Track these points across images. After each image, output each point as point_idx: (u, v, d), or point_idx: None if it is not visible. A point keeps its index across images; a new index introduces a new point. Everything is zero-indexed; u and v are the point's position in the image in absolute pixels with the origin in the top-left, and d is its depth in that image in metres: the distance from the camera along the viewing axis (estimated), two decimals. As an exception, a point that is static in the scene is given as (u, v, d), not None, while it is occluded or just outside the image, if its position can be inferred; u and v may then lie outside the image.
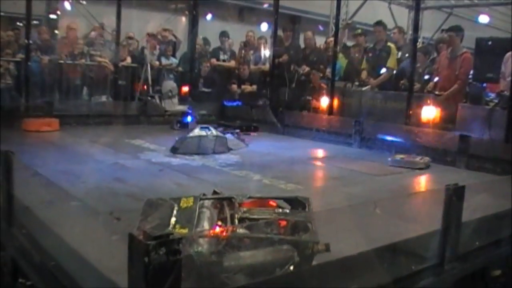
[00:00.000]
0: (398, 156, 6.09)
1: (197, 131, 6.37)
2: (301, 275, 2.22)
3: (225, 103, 9.97)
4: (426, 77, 8.84)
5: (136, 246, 1.59)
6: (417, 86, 8.42)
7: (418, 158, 6.00)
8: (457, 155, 6.17)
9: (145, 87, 10.56)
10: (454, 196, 2.88)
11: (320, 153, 6.78)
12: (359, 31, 10.40)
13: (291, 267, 2.21)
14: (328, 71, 9.51)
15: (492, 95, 7.63)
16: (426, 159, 6.01)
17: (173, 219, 2.49)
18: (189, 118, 8.59)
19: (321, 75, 9.76)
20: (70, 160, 5.40)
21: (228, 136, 6.84)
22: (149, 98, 9.81)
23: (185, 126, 8.30)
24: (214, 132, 6.46)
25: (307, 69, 10.02)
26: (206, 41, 12.09)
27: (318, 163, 6.20)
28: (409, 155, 6.14)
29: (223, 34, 11.75)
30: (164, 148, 6.35)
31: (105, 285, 2.04)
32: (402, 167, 5.79)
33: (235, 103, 10.00)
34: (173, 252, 1.57)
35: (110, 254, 2.29)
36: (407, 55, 8.99)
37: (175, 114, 8.91)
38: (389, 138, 6.97)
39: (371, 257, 2.43)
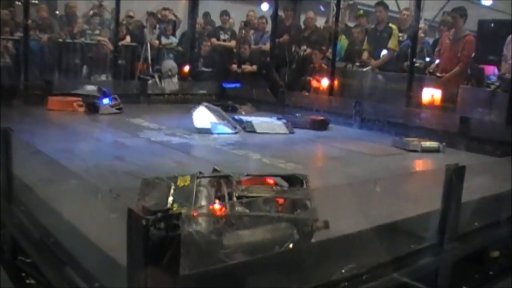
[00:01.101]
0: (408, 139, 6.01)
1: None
2: (300, 253, 2.22)
3: (224, 84, 9.90)
4: (427, 59, 8.82)
5: (135, 221, 1.58)
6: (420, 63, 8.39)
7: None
8: (457, 137, 6.15)
9: (145, 66, 10.52)
10: (454, 176, 2.88)
11: (320, 133, 6.75)
12: (361, 12, 10.34)
13: (290, 245, 2.21)
14: (329, 51, 9.48)
15: (494, 78, 7.63)
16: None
17: (170, 198, 2.48)
18: (105, 101, 7.37)
19: (322, 55, 9.72)
20: (69, 139, 5.39)
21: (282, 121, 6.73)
22: (149, 77, 9.73)
23: (96, 110, 7.18)
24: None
25: (308, 50, 9.97)
26: (208, 17, 12.02)
27: (318, 144, 6.18)
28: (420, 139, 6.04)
29: (224, 13, 11.67)
30: (164, 127, 6.34)
31: (104, 261, 2.04)
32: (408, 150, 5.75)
33: (233, 85, 9.94)
34: (172, 227, 1.56)
35: (109, 231, 2.28)
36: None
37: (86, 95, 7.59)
38: (389, 119, 6.93)
39: (370, 235, 2.43)
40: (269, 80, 9.66)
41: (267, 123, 6.51)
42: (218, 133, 6.10)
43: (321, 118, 7.05)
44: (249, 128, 6.33)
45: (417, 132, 6.41)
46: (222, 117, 6.44)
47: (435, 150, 5.71)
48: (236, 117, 6.76)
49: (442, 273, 2.96)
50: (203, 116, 6.25)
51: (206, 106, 6.41)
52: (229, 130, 6.26)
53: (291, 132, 6.42)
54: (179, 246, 1.59)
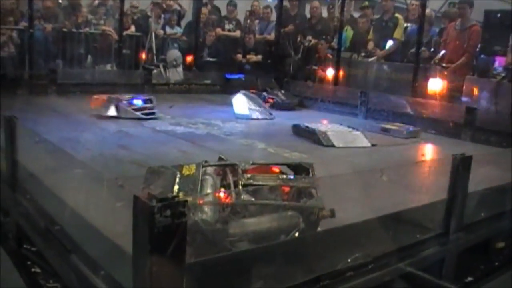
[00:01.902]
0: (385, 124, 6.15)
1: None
2: (305, 242, 2.21)
3: (227, 75, 9.86)
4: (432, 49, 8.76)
5: (141, 208, 1.58)
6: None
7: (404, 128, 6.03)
8: (462, 128, 6.12)
9: (150, 56, 10.50)
10: (461, 166, 2.87)
11: (325, 123, 6.74)
12: (366, 3, 10.29)
13: (296, 234, 2.20)
14: (334, 41, 9.45)
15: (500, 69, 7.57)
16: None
17: (176, 187, 2.47)
18: (136, 102, 6.26)
19: (327, 45, 9.69)
20: (73, 128, 5.38)
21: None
22: (154, 67, 9.69)
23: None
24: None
25: (313, 40, 9.93)
26: (216, 9, 11.98)
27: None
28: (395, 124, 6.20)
29: (230, 3, 11.63)
30: (168, 116, 6.33)
31: (109, 248, 2.04)
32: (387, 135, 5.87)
33: (237, 76, 9.91)
34: (178, 214, 1.55)
35: (115, 219, 2.28)
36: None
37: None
38: (394, 109, 6.91)
39: (375, 225, 2.42)
40: (274, 70, 9.64)
41: (343, 134, 5.41)
42: (255, 119, 6.54)
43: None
44: (325, 142, 5.18)
45: (423, 122, 6.39)
46: (259, 104, 6.75)
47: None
48: (308, 125, 5.62)
49: (447, 263, 2.95)
50: (241, 103, 6.64)
51: (244, 94, 6.74)
52: (265, 116, 6.63)
53: (373, 144, 5.31)
54: (185, 233, 1.59)
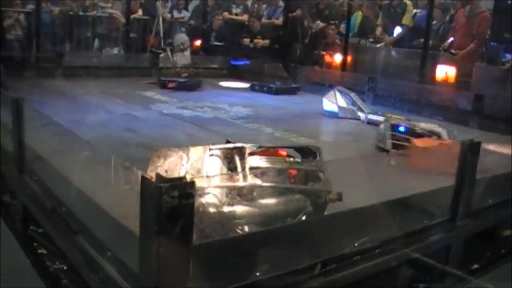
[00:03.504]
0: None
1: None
2: (312, 225, 2.20)
3: (232, 61, 9.82)
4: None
5: (148, 188, 1.57)
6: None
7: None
8: (470, 115, 6.08)
9: (157, 40, 10.47)
10: (469, 152, 2.85)
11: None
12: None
13: (304, 217, 2.19)
14: (342, 26, 9.39)
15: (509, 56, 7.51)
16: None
17: (182, 169, 2.46)
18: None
19: (336, 30, 9.63)
20: (81, 111, 5.39)
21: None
22: (161, 51, 9.65)
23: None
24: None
25: (321, 24, 9.87)
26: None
27: (330, 118, 6.14)
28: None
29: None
30: (176, 100, 6.32)
31: (116, 229, 2.04)
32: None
33: (242, 62, 9.86)
34: (185, 195, 1.54)
35: (121, 201, 2.28)
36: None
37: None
38: (402, 96, 6.87)
39: (383, 209, 2.41)
40: (281, 55, 9.59)
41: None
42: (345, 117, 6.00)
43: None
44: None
45: (430, 109, 6.36)
46: (353, 102, 6.19)
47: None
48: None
49: (454, 250, 2.94)
50: (333, 100, 6.15)
51: (338, 90, 6.28)
52: (354, 116, 6.03)
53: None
54: (192, 215, 1.58)
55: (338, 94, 6.20)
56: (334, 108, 6.09)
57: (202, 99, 6.41)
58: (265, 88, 7.81)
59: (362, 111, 6.04)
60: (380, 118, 5.47)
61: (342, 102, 6.13)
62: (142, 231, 1.65)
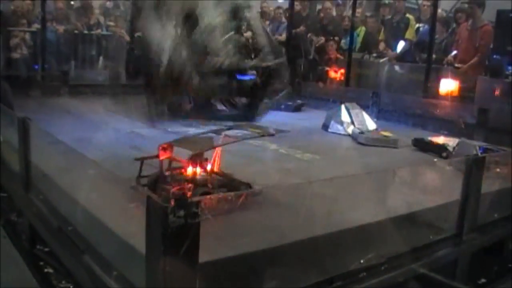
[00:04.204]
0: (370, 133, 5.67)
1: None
2: (318, 241, 2.21)
3: (238, 76, 9.82)
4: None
5: (154, 208, 1.58)
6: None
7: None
8: (475, 128, 6.08)
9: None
10: (474, 167, 2.85)
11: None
12: (386, 1, 10.24)
13: None
14: (343, 42, 9.44)
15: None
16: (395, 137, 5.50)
17: None
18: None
19: (336, 46, 9.67)
20: (86, 129, 5.40)
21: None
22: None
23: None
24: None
25: (323, 39, 9.91)
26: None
27: (335, 134, 6.13)
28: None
29: (243, 4, 11.63)
30: (180, 118, 6.33)
31: (122, 249, 2.04)
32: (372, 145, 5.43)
33: (248, 77, 9.87)
34: (191, 215, 1.56)
35: (127, 219, 2.29)
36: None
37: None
38: (406, 110, 6.88)
39: (389, 225, 2.41)
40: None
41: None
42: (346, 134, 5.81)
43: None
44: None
45: (434, 123, 6.36)
46: (360, 120, 5.96)
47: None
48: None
49: (460, 264, 2.94)
50: (339, 116, 5.99)
51: (346, 107, 6.08)
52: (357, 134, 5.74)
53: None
54: (198, 233, 1.59)
55: (345, 111, 6.03)
56: (340, 128, 5.93)
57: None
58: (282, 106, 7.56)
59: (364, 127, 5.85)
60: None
61: (348, 119, 5.97)
62: (148, 250, 1.66)
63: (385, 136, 5.49)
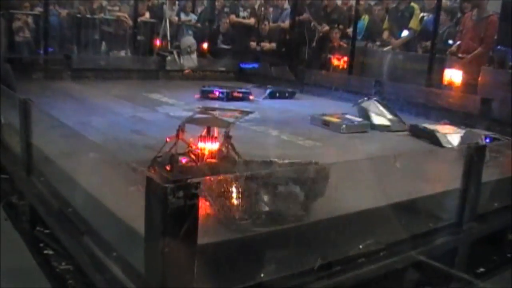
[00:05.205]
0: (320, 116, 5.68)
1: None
2: (317, 227, 2.21)
3: (242, 65, 9.83)
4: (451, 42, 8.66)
5: (154, 189, 1.58)
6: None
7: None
8: (478, 119, 6.07)
9: (164, 42, 10.49)
10: (475, 156, 2.84)
11: (339, 111, 6.71)
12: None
13: None
14: (350, 30, 9.40)
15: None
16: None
17: None
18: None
19: (341, 34, 9.63)
20: (88, 113, 5.40)
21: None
22: (168, 53, 9.67)
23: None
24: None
25: (326, 27, 9.87)
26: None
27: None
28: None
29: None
30: (183, 102, 6.33)
31: (122, 230, 2.05)
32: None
33: (251, 65, 9.87)
34: (190, 196, 1.55)
35: (127, 202, 2.29)
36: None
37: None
38: (409, 99, 6.87)
39: (389, 212, 2.41)
40: (288, 59, 9.61)
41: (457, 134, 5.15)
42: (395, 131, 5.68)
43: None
44: (445, 144, 4.97)
45: (437, 112, 6.35)
46: (393, 112, 5.97)
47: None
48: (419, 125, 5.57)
49: (460, 253, 2.94)
50: (378, 112, 5.87)
51: (377, 101, 6.03)
52: (401, 127, 5.75)
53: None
54: (197, 214, 1.59)
55: (379, 105, 5.94)
56: (385, 121, 5.79)
57: (211, 103, 6.41)
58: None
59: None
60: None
61: (386, 113, 5.88)
62: (147, 231, 1.66)
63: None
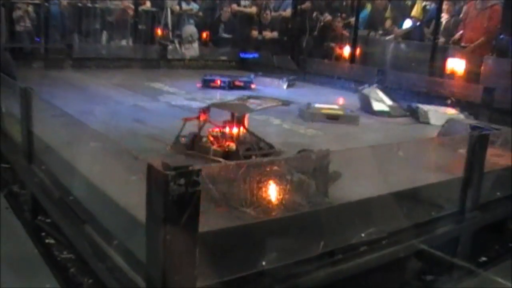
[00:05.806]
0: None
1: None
2: (319, 215, 2.20)
3: (242, 54, 9.80)
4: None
5: (155, 177, 1.57)
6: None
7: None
8: (480, 108, 6.04)
9: (165, 31, 10.46)
10: (478, 144, 2.83)
11: (341, 100, 6.70)
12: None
13: None
14: (352, 19, 9.36)
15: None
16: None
17: None
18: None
19: (343, 23, 9.60)
20: (90, 101, 5.39)
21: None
22: (169, 42, 9.65)
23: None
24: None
25: (328, 17, 9.83)
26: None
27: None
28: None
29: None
30: (184, 91, 6.31)
31: (123, 218, 2.04)
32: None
33: (251, 55, 9.84)
34: (192, 183, 1.54)
35: (129, 191, 2.28)
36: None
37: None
38: (412, 88, 6.86)
39: (391, 200, 2.40)
40: (290, 47, 9.58)
41: (441, 114, 5.55)
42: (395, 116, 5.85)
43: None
44: (423, 119, 5.62)
45: (440, 101, 6.32)
46: (393, 99, 6.13)
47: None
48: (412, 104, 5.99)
49: (462, 242, 2.93)
50: (378, 98, 6.02)
51: (378, 88, 6.17)
52: (401, 113, 5.95)
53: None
54: (199, 202, 1.58)
55: (380, 92, 6.08)
56: (384, 107, 5.94)
57: (212, 92, 6.39)
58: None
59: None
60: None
61: (388, 100, 6.03)
62: (149, 219, 1.65)
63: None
